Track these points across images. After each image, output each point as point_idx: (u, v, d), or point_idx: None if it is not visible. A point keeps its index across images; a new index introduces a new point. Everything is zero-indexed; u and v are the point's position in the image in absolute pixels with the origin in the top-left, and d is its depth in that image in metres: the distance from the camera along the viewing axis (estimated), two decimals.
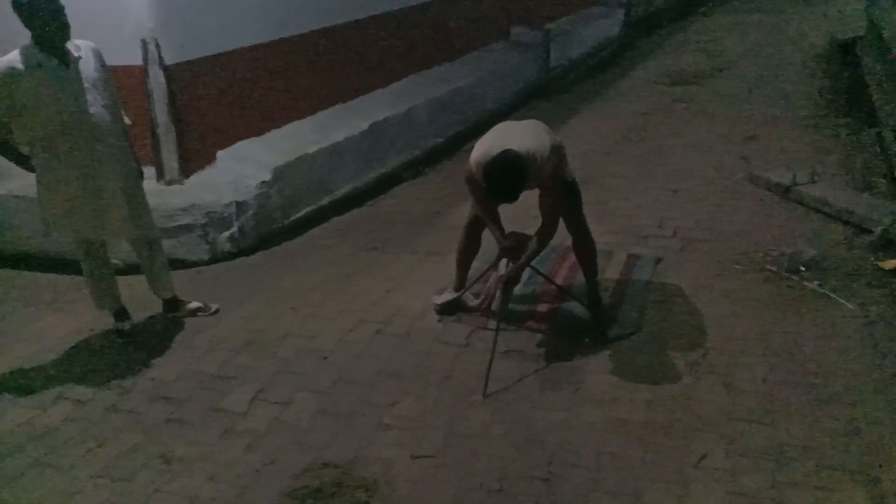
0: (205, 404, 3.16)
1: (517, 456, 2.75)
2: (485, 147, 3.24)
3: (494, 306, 3.55)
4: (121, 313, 3.75)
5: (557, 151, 3.26)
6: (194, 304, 3.92)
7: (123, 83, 4.55)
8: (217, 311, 3.92)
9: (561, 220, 3.48)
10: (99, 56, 3.41)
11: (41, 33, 3.17)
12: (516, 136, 3.24)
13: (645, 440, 2.78)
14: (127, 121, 3.59)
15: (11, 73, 3.15)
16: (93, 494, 2.66)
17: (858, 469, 2.56)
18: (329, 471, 2.72)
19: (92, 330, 3.80)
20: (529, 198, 3.31)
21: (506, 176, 3.07)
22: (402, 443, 2.86)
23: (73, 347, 3.66)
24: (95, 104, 3.33)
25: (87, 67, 3.33)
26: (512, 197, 3.12)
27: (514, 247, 3.38)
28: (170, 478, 2.74)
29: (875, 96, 6.64)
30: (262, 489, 2.66)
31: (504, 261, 3.43)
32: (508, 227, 3.54)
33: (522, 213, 3.21)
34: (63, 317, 3.95)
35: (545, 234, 3.33)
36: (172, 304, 3.91)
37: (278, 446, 2.88)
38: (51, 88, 3.22)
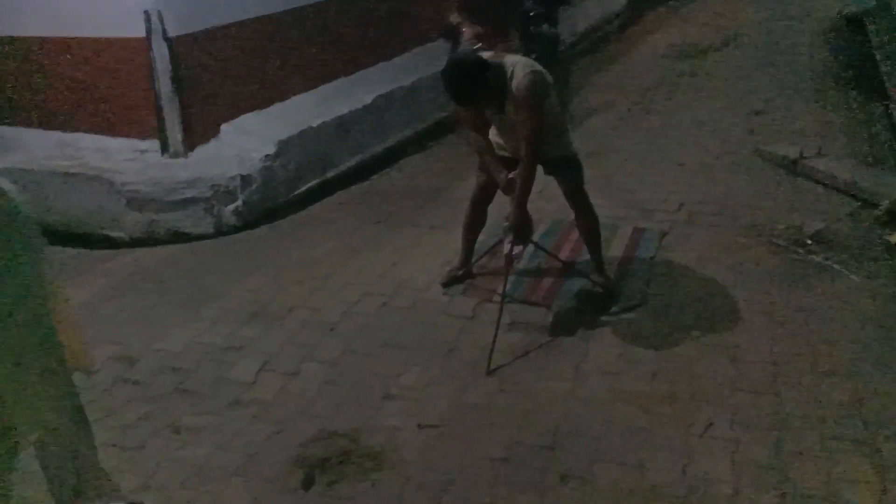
0: (212, 375, 3.18)
1: (522, 426, 2.77)
2: None
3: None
4: None
5: (537, 76, 3.15)
6: None
7: (126, 55, 4.55)
8: None
9: (564, 197, 3.48)
10: None
11: None
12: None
13: (650, 411, 2.80)
14: None
15: None
16: (102, 463, 2.67)
17: (862, 440, 2.57)
18: (336, 440, 2.75)
19: (100, 301, 3.82)
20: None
21: (460, 74, 3.08)
22: (408, 412, 2.88)
23: (79, 318, 3.66)
24: None
25: None
26: (470, 97, 3.13)
27: (520, 226, 3.35)
28: (178, 446, 2.77)
29: (883, 70, 6.57)
30: (270, 458, 2.68)
31: (509, 239, 3.41)
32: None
33: None
34: (69, 290, 3.95)
35: (527, 166, 3.20)
36: None
37: (285, 416, 2.90)
38: None
